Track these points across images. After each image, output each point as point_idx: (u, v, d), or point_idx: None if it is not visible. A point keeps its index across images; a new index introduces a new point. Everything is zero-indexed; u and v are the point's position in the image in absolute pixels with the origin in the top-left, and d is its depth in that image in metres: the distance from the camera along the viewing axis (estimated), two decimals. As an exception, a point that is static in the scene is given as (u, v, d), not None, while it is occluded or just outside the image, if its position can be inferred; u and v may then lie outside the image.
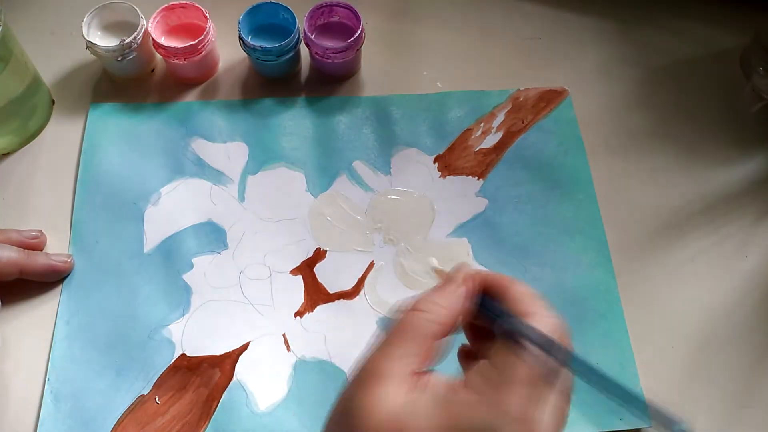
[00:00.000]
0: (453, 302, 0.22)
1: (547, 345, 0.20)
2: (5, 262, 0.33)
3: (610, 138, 0.40)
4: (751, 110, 0.41)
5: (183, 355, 0.33)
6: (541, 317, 0.21)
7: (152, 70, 0.42)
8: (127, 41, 0.38)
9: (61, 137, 0.40)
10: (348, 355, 0.34)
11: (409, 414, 0.20)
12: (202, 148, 0.39)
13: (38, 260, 0.34)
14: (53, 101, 0.41)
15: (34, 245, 0.35)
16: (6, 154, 0.39)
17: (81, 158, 0.39)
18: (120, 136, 0.40)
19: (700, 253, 0.37)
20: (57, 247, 0.36)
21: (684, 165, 0.39)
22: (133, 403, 0.32)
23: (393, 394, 0.20)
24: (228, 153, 0.39)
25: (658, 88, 0.42)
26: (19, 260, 0.33)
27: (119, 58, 0.39)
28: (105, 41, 0.40)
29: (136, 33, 0.38)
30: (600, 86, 0.42)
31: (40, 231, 0.36)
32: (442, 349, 0.22)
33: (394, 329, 0.22)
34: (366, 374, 0.21)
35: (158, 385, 0.33)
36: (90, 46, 0.38)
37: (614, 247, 0.37)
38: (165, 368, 0.33)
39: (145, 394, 0.32)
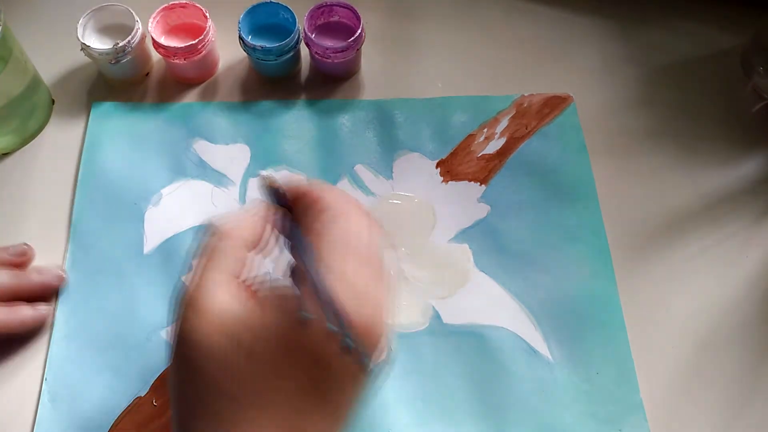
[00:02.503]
0: (257, 223, 0.24)
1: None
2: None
3: (610, 137, 0.40)
4: (752, 110, 0.41)
5: (181, 358, 0.33)
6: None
7: (147, 74, 0.42)
8: (121, 44, 0.38)
9: (60, 137, 0.40)
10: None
11: (239, 323, 0.21)
12: (203, 149, 0.39)
13: (32, 280, 0.34)
14: (53, 101, 0.41)
15: (23, 263, 0.35)
16: (6, 154, 0.39)
17: (82, 157, 0.39)
18: (121, 135, 0.39)
19: (701, 252, 0.36)
20: (57, 247, 0.36)
21: (684, 164, 0.39)
22: (130, 405, 0.32)
23: (219, 311, 0.21)
24: (230, 155, 0.39)
25: (658, 88, 0.42)
26: (12, 285, 0.33)
27: (113, 61, 0.38)
28: (101, 43, 0.39)
29: (130, 36, 0.38)
30: (600, 86, 0.42)
31: (27, 245, 0.35)
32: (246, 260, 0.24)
33: (206, 253, 0.23)
34: (190, 301, 0.22)
35: (155, 387, 0.33)
36: (85, 48, 0.38)
37: (615, 247, 0.36)
38: (162, 370, 0.33)
39: (143, 395, 0.32)
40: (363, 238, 0.23)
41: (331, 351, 0.21)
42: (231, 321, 0.21)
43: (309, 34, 0.39)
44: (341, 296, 0.21)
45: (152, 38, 0.39)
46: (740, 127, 0.41)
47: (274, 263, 0.24)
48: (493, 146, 0.39)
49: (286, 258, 0.23)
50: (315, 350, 0.21)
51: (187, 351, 0.22)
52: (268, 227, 0.25)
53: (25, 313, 0.33)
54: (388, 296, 0.23)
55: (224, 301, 0.21)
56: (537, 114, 0.41)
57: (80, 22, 0.39)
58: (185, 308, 0.22)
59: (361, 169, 0.39)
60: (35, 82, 0.39)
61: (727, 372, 0.34)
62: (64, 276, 0.35)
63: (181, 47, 0.38)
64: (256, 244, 0.24)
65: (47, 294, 0.34)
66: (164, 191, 0.38)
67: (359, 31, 0.38)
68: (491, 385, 0.33)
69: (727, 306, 0.35)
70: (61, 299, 0.35)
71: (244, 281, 0.23)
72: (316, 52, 0.39)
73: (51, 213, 0.37)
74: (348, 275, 0.22)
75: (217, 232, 0.24)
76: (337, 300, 0.21)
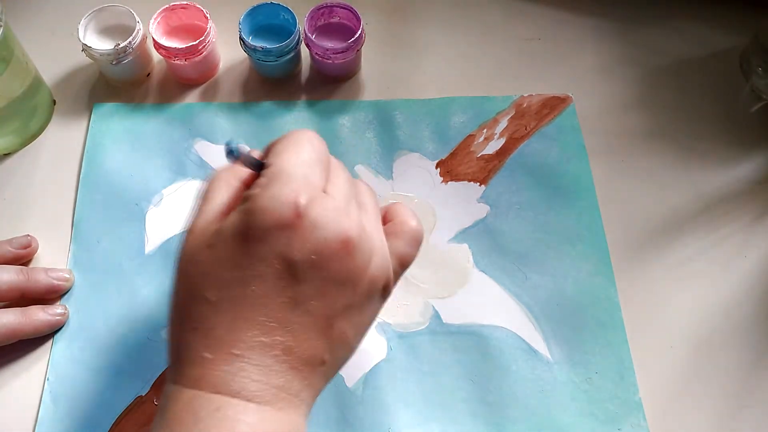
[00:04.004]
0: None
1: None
2: (6, 288, 0.33)
3: (609, 138, 0.40)
4: (751, 110, 0.41)
5: (182, 357, 0.34)
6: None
7: (148, 75, 0.42)
8: (122, 45, 0.38)
9: (62, 137, 0.40)
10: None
11: (216, 232, 0.23)
12: (204, 149, 0.39)
13: (39, 281, 0.34)
14: (54, 101, 0.41)
15: (27, 255, 0.35)
16: (7, 155, 0.39)
17: (84, 157, 0.39)
18: (123, 136, 0.40)
19: (700, 252, 0.37)
20: (59, 247, 0.36)
21: (683, 165, 0.39)
22: (131, 404, 0.32)
23: (207, 229, 0.23)
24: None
25: (657, 88, 0.42)
26: (20, 283, 0.33)
27: (114, 62, 0.39)
28: (102, 44, 0.39)
29: (131, 37, 0.38)
30: (599, 87, 0.42)
31: (30, 236, 0.36)
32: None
33: (204, 187, 0.26)
34: (187, 229, 0.24)
35: (157, 386, 0.33)
36: (86, 48, 0.38)
37: (614, 247, 0.37)
38: (163, 369, 0.33)
39: (144, 394, 0.33)
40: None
41: (276, 249, 0.22)
42: (212, 233, 0.23)
43: (309, 35, 0.39)
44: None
45: (153, 39, 0.39)
46: (739, 128, 0.41)
47: None
48: (493, 147, 0.40)
49: None
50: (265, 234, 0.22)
51: (178, 264, 0.24)
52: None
53: (39, 317, 0.33)
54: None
55: (211, 219, 0.24)
56: (536, 114, 0.41)
57: (81, 22, 0.39)
58: (184, 236, 0.24)
59: (361, 170, 0.39)
60: (36, 82, 0.39)
61: (726, 371, 0.34)
62: (71, 277, 0.35)
63: (181, 48, 0.38)
64: (243, 183, 0.26)
65: (54, 295, 0.35)
66: (165, 192, 0.38)
67: (359, 32, 0.38)
68: (491, 384, 0.33)
69: (726, 306, 0.35)
70: (63, 299, 0.35)
71: (230, 209, 0.24)
72: (316, 53, 0.39)
73: (52, 213, 0.37)
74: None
75: (209, 178, 0.26)
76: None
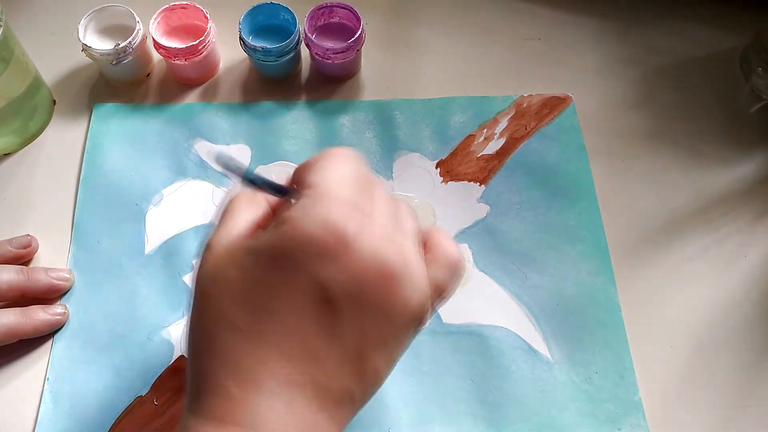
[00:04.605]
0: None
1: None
2: (6, 288, 0.32)
3: (609, 138, 0.40)
4: (751, 110, 0.41)
5: (182, 356, 0.34)
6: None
7: (148, 75, 0.42)
8: (122, 45, 0.38)
9: (62, 137, 0.40)
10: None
11: (246, 253, 0.22)
12: (204, 149, 0.39)
13: (39, 281, 0.34)
14: (54, 101, 0.41)
15: (27, 255, 0.35)
16: (7, 155, 0.39)
17: (84, 158, 0.39)
18: (123, 136, 0.40)
19: (700, 252, 0.37)
20: (59, 248, 0.36)
21: (683, 165, 0.39)
22: (131, 404, 0.32)
23: (232, 247, 0.22)
24: (230, 155, 0.39)
25: (657, 88, 0.42)
26: (20, 283, 0.33)
27: (114, 62, 0.39)
28: (102, 44, 0.39)
29: (131, 37, 0.38)
30: (599, 86, 0.42)
31: (30, 236, 0.36)
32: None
33: (226, 203, 0.24)
34: (207, 244, 0.23)
35: (156, 386, 0.33)
36: (86, 49, 0.38)
37: (614, 247, 0.37)
38: (163, 369, 0.33)
39: (144, 395, 0.33)
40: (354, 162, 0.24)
41: (313, 275, 0.21)
42: (240, 252, 0.21)
43: (309, 35, 0.39)
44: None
45: (153, 39, 0.39)
46: (739, 128, 0.41)
47: None
48: (493, 146, 0.40)
49: None
50: (308, 269, 0.21)
51: (199, 283, 0.22)
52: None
53: (39, 317, 0.33)
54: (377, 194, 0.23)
55: (236, 236, 0.22)
56: (536, 114, 0.41)
57: (81, 22, 0.39)
58: (203, 250, 0.23)
59: (361, 170, 0.39)
60: (36, 82, 0.39)
61: (726, 371, 0.34)
62: (71, 277, 0.35)
63: (181, 48, 0.38)
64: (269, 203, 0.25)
65: (54, 295, 0.35)
66: (165, 191, 0.38)
67: (359, 32, 0.38)
68: (491, 384, 0.33)
69: (726, 306, 0.35)
70: (63, 299, 0.35)
71: (258, 226, 0.23)
72: (316, 53, 0.39)
73: (53, 213, 0.37)
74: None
75: (232, 194, 0.25)
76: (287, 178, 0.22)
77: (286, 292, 0.21)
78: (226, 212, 0.24)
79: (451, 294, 0.25)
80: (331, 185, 0.22)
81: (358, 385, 0.22)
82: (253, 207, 0.24)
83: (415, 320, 0.23)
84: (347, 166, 0.23)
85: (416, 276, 0.22)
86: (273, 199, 0.25)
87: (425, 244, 0.25)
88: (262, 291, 0.21)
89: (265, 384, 0.20)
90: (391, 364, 0.23)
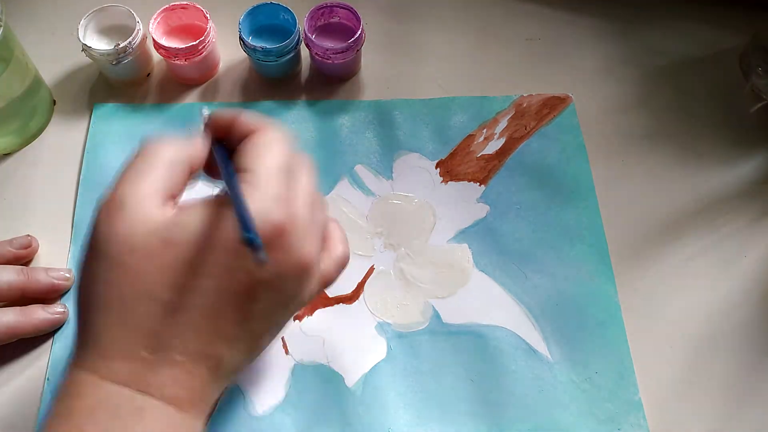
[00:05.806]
0: (196, 145, 0.24)
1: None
2: (6, 288, 0.32)
3: (609, 138, 0.40)
4: (750, 110, 0.41)
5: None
6: (263, 132, 0.24)
7: (148, 75, 0.42)
8: (122, 45, 0.38)
9: (62, 137, 0.40)
10: (346, 360, 0.34)
11: (173, 226, 0.21)
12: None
13: (40, 281, 0.34)
14: (54, 101, 0.41)
15: (27, 255, 0.35)
16: (7, 155, 0.39)
17: (84, 158, 0.39)
18: (123, 136, 0.40)
19: (700, 252, 0.37)
20: (59, 248, 0.36)
21: (683, 165, 0.39)
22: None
23: (149, 214, 0.22)
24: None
25: (657, 88, 0.42)
26: (20, 283, 0.33)
27: (114, 62, 0.39)
28: (102, 44, 0.40)
29: (131, 38, 0.38)
30: (599, 87, 0.42)
31: (30, 236, 0.36)
32: (185, 183, 0.24)
33: (139, 157, 0.23)
34: (114, 202, 0.22)
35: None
36: (86, 49, 0.38)
37: (614, 247, 0.37)
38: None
39: (144, 395, 0.33)
40: (288, 151, 0.24)
41: (246, 266, 0.21)
42: (167, 223, 0.22)
43: (309, 35, 0.39)
44: (250, 198, 0.21)
45: (153, 39, 0.39)
46: (739, 128, 0.41)
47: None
48: (493, 146, 0.40)
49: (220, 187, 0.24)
50: (230, 265, 0.21)
51: (111, 245, 0.21)
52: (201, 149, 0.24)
53: (39, 316, 0.33)
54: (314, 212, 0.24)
55: (152, 199, 0.22)
56: (536, 114, 0.41)
57: (81, 23, 0.39)
58: (108, 207, 0.22)
59: (361, 170, 0.39)
60: (36, 82, 0.39)
61: (726, 371, 0.34)
62: (72, 277, 0.35)
63: (181, 48, 0.38)
64: (190, 166, 0.24)
65: (54, 295, 0.34)
66: (165, 191, 0.38)
67: (359, 32, 0.38)
68: (491, 384, 0.33)
69: (726, 306, 0.35)
70: (64, 299, 0.35)
71: (170, 195, 0.23)
72: (316, 53, 0.39)
73: (53, 213, 0.37)
74: (262, 178, 0.22)
75: (144, 148, 0.23)
76: (243, 202, 0.21)
77: (218, 276, 0.21)
78: (141, 162, 0.23)
79: (331, 285, 0.27)
80: (261, 178, 0.22)
81: (247, 358, 0.24)
82: (170, 167, 0.23)
83: (303, 306, 0.25)
84: (279, 151, 0.23)
85: (318, 270, 0.25)
86: (196, 159, 0.24)
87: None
88: (194, 271, 0.21)
89: (180, 356, 0.22)
90: (273, 341, 0.26)
